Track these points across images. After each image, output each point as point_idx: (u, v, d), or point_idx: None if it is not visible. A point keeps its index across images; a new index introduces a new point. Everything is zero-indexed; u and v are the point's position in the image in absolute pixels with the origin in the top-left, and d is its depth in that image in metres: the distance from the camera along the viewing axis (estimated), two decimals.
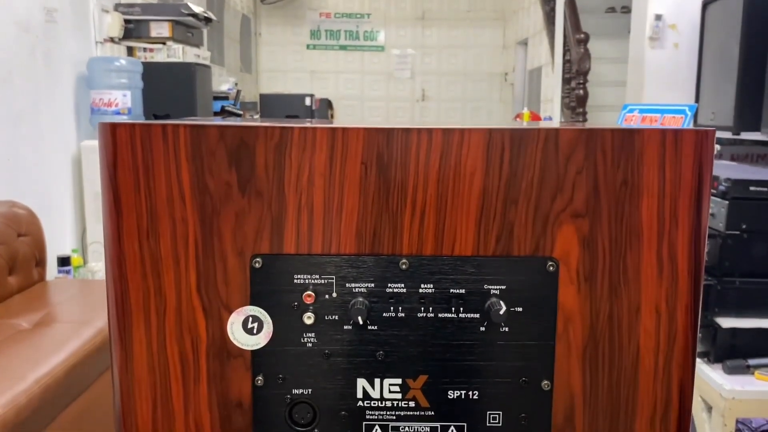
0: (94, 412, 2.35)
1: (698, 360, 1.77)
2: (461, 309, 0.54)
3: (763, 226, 1.73)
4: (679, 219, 0.52)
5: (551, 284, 0.53)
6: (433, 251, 0.53)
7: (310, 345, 0.54)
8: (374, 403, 0.55)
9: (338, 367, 0.55)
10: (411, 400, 0.55)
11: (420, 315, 0.54)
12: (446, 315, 0.54)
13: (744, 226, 1.72)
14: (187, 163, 0.52)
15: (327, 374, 0.55)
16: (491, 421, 0.55)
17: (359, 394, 0.55)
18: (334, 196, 0.52)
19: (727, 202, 1.71)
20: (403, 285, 0.54)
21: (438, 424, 0.55)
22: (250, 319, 0.54)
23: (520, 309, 0.54)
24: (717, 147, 3.10)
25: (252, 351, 0.54)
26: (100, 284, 3.06)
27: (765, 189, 1.71)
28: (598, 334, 0.54)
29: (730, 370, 1.69)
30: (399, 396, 0.55)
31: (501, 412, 0.55)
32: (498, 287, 0.53)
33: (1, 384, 1.95)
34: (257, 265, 0.53)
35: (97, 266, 3.58)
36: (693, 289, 0.53)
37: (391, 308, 0.54)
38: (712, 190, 1.80)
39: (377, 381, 0.55)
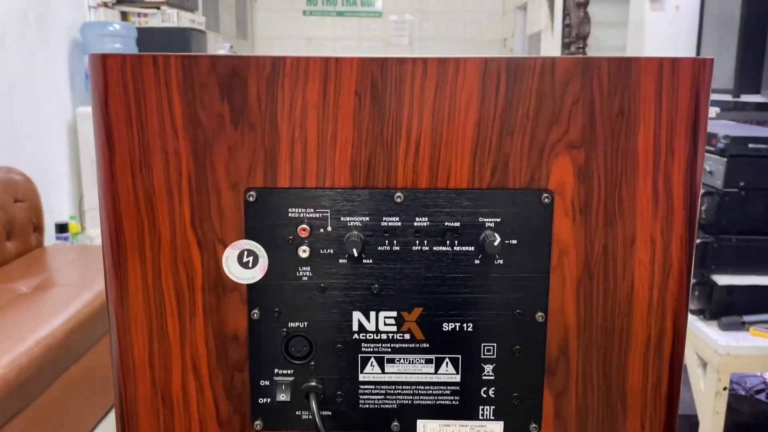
0: (95, 373, 2.38)
1: (694, 317, 1.78)
2: (456, 242, 0.54)
3: (761, 184, 1.72)
4: (675, 149, 0.52)
5: (546, 216, 0.53)
6: (427, 184, 0.53)
7: (305, 279, 0.55)
8: (369, 336, 0.56)
9: (334, 301, 0.55)
10: (406, 332, 0.56)
11: (415, 248, 0.54)
12: (441, 248, 0.54)
13: (742, 184, 1.72)
14: (178, 95, 0.51)
15: (322, 308, 0.55)
16: (485, 353, 0.56)
17: (355, 327, 0.55)
18: (327, 128, 0.52)
19: (725, 159, 1.71)
20: (397, 218, 0.54)
21: (433, 356, 0.56)
22: (245, 253, 0.54)
23: (514, 241, 0.54)
24: (717, 110, 3.08)
25: (247, 285, 0.55)
26: (98, 249, 3.06)
27: (764, 146, 1.71)
28: (592, 266, 0.54)
29: (726, 327, 1.70)
30: (394, 329, 0.55)
31: (495, 344, 0.56)
32: (493, 220, 0.53)
33: (1, 345, 1.96)
34: (251, 198, 0.53)
35: (95, 233, 3.58)
36: (688, 221, 0.53)
37: (386, 242, 0.54)
38: (710, 148, 1.79)
39: (372, 314, 0.55)
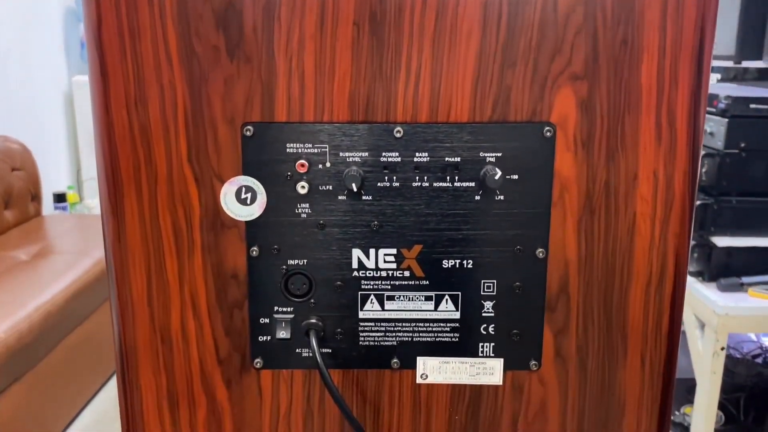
0: (96, 339, 2.39)
1: (692, 279, 1.78)
2: (456, 178, 0.53)
3: (762, 145, 1.71)
4: (679, 81, 0.51)
5: (548, 150, 0.52)
6: (428, 118, 0.52)
7: (304, 216, 0.54)
8: (369, 273, 0.55)
9: (333, 238, 0.54)
10: (406, 269, 0.55)
11: (415, 184, 0.53)
12: (441, 184, 0.53)
13: (743, 145, 1.71)
14: (173, 26, 0.50)
15: (322, 245, 0.55)
16: (485, 289, 0.55)
17: (354, 265, 0.55)
18: (325, 60, 0.51)
19: (726, 119, 1.69)
20: (397, 154, 0.53)
21: (433, 293, 0.56)
22: (243, 189, 0.53)
23: (515, 177, 0.53)
24: (717, 76, 3.06)
25: (246, 222, 0.54)
26: (96, 218, 3.05)
27: (766, 107, 1.69)
28: (594, 201, 0.53)
29: (724, 288, 1.71)
30: (394, 266, 0.55)
31: (495, 281, 0.55)
32: (494, 154, 0.53)
33: (2, 311, 1.97)
34: (248, 133, 0.52)
35: (93, 203, 3.58)
36: (691, 155, 0.53)
37: (386, 178, 0.53)
38: (711, 109, 1.78)
39: (372, 251, 0.55)
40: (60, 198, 3.41)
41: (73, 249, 2.57)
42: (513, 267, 0.55)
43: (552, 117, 0.52)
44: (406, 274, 0.55)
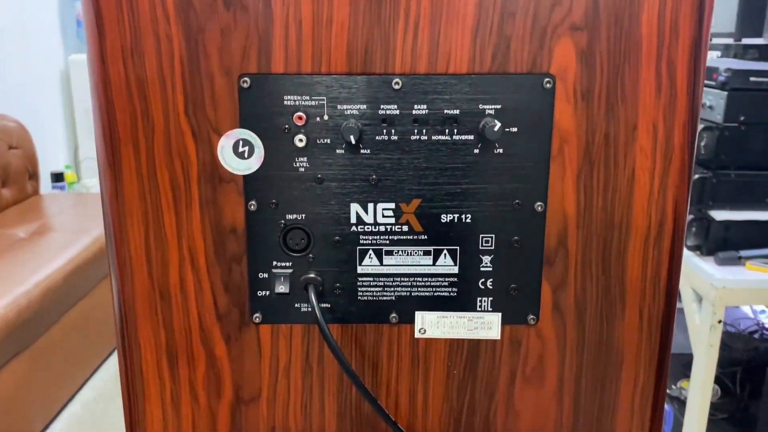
0: (96, 315, 2.40)
1: (690, 253, 1.79)
2: (455, 131, 0.53)
3: (762, 118, 1.71)
4: (680, 32, 0.51)
5: (547, 102, 0.52)
6: (426, 69, 0.52)
7: (302, 169, 0.54)
8: (368, 228, 0.55)
9: (331, 192, 0.54)
10: (404, 224, 0.55)
11: (413, 138, 0.53)
12: (440, 137, 0.53)
13: (742, 118, 1.70)
14: None
15: (320, 199, 0.54)
16: (484, 244, 0.55)
17: (353, 219, 0.55)
18: (323, 10, 0.50)
19: (725, 92, 1.69)
20: (396, 106, 0.52)
21: (431, 248, 0.56)
22: (241, 142, 0.53)
23: (515, 129, 0.53)
24: (717, 53, 3.04)
25: (244, 176, 0.54)
26: (95, 197, 3.05)
27: (766, 80, 1.68)
28: (593, 154, 0.53)
29: (722, 262, 1.71)
30: (392, 221, 0.55)
31: (493, 235, 0.55)
32: (493, 107, 0.52)
33: (1, 287, 1.97)
34: (245, 85, 0.52)
35: (91, 182, 3.57)
36: (691, 108, 0.52)
37: (384, 131, 0.53)
38: (711, 82, 1.77)
39: (370, 206, 0.55)
40: (58, 177, 3.41)
41: (72, 227, 2.57)
42: (511, 221, 0.55)
43: (552, 68, 0.52)
44: (405, 228, 0.55)
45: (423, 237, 0.55)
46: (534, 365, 0.58)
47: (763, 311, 2.47)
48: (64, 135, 3.65)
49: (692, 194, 1.80)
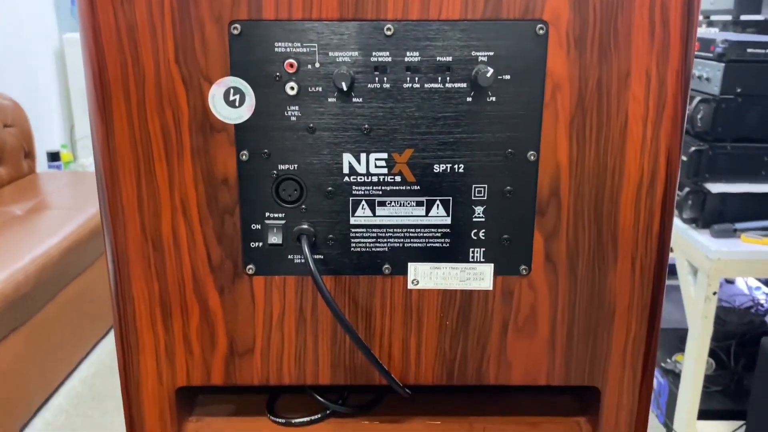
0: (94, 292, 2.40)
1: (686, 226, 1.79)
2: (448, 78, 0.53)
3: (758, 90, 1.70)
4: None
5: (540, 49, 0.52)
6: (419, 15, 0.51)
7: (294, 119, 0.54)
8: (360, 179, 0.55)
9: (323, 142, 0.54)
10: (397, 174, 0.55)
11: (405, 86, 0.53)
12: (433, 85, 0.53)
13: (739, 90, 1.70)
14: None
15: (312, 149, 0.54)
16: (476, 194, 0.55)
17: (345, 170, 0.55)
18: None
19: (722, 64, 1.68)
20: (388, 53, 0.52)
21: (424, 199, 0.56)
22: (232, 90, 0.53)
23: (507, 77, 0.53)
24: (715, 30, 3.02)
25: (235, 125, 0.54)
26: (91, 176, 3.04)
27: (763, 51, 1.68)
28: (586, 102, 0.53)
29: (717, 234, 1.72)
30: (385, 171, 0.55)
31: (486, 185, 0.55)
32: (486, 53, 0.52)
33: None
34: (235, 31, 0.51)
35: (88, 161, 3.56)
36: (684, 55, 0.52)
37: (376, 79, 0.53)
38: (708, 54, 1.76)
39: (363, 156, 0.54)
40: (54, 157, 3.39)
41: (68, 204, 2.57)
42: (504, 171, 0.55)
43: (544, 14, 0.51)
44: (398, 179, 0.55)
45: (416, 187, 0.55)
46: (526, 316, 0.58)
47: (758, 288, 2.48)
48: (60, 114, 3.63)
49: (688, 167, 1.80)
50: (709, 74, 1.73)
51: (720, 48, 1.69)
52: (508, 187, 0.55)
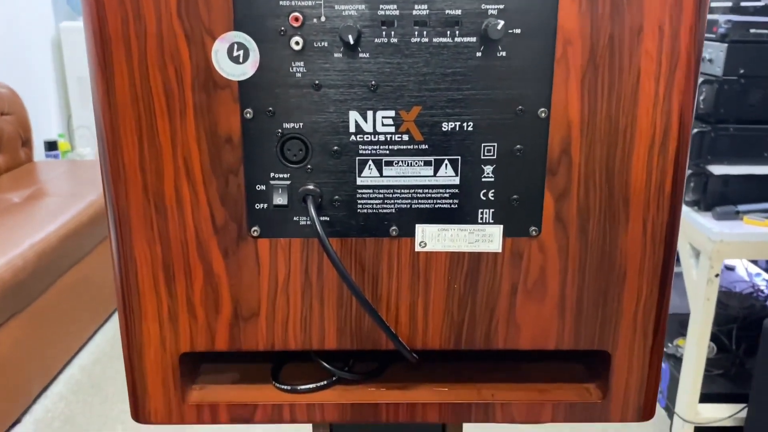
0: (93, 279, 2.39)
1: (688, 208, 1.78)
2: (457, 33, 0.51)
3: (761, 71, 1.69)
4: None
5: (551, 2, 0.51)
6: None
7: (299, 75, 0.52)
8: (367, 138, 0.54)
9: (329, 99, 0.53)
10: (405, 133, 0.54)
11: (414, 40, 0.52)
12: (441, 40, 0.52)
13: (742, 71, 1.69)
14: None
15: (318, 107, 0.53)
16: (485, 153, 0.54)
17: (352, 128, 0.54)
18: None
19: (725, 45, 1.67)
20: (395, 6, 0.51)
21: (432, 158, 0.54)
22: (236, 46, 0.52)
23: (518, 31, 0.51)
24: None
25: (239, 82, 0.52)
26: (89, 164, 3.03)
27: (766, 31, 1.67)
28: (597, 57, 0.52)
29: (720, 216, 1.71)
30: (392, 129, 0.54)
31: (496, 144, 0.54)
32: (496, 6, 0.51)
33: None
34: None
35: (86, 151, 3.54)
36: (698, 9, 0.51)
37: (383, 33, 0.51)
38: (710, 35, 1.75)
39: (370, 113, 0.53)
40: (51, 146, 3.38)
41: (67, 192, 2.55)
42: (514, 129, 0.54)
43: None
44: (405, 138, 0.54)
45: (423, 147, 0.54)
46: (535, 279, 0.57)
47: (758, 274, 2.48)
48: (57, 103, 3.61)
49: (690, 149, 1.79)
50: (711, 55, 1.72)
51: (723, 28, 1.68)
52: (518, 146, 0.54)
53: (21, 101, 2.91)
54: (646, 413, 0.61)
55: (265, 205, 0.55)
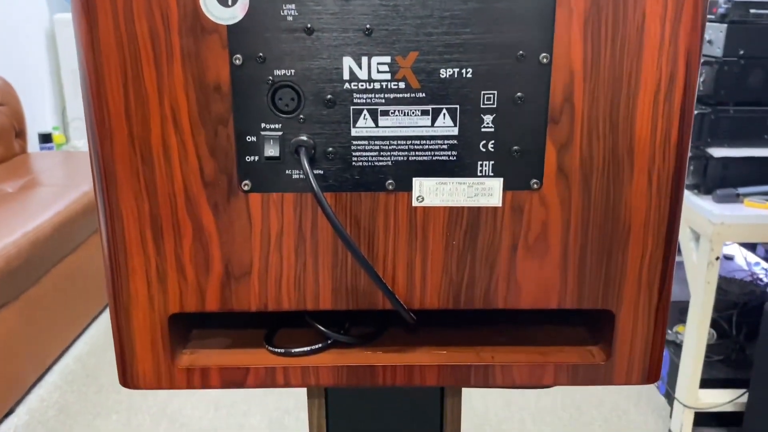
0: (87, 270, 2.36)
1: (687, 192, 1.77)
2: None
3: (761, 52, 1.68)
4: None
5: None
6: None
7: (290, 18, 0.50)
8: (362, 86, 0.52)
9: (322, 45, 0.51)
10: (401, 80, 0.52)
11: None
12: None
13: (742, 52, 1.67)
14: None
15: (310, 53, 0.51)
16: (485, 102, 0.52)
17: (345, 75, 0.52)
18: None
19: (725, 25, 1.65)
20: None
21: (429, 107, 0.52)
22: None
23: None
24: None
25: (228, 26, 0.50)
26: (83, 155, 3.00)
27: (767, 12, 1.65)
28: None
29: (720, 199, 1.69)
30: (388, 76, 0.52)
31: (496, 92, 0.52)
32: None
33: None
34: None
35: (80, 143, 3.51)
36: None
37: None
38: (710, 16, 1.73)
39: (364, 59, 0.51)
40: (46, 138, 3.35)
41: (61, 182, 2.53)
42: (515, 75, 0.52)
43: None
44: (401, 85, 0.52)
45: (421, 95, 0.52)
46: (537, 234, 0.55)
47: (757, 263, 2.46)
48: (51, 95, 3.58)
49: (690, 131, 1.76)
50: (711, 36, 1.70)
51: (723, 9, 1.66)
52: (519, 94, 0.52)
53: (14, 92, 2.89)
54: (651, 375, 0.59)
55: (256, 158, 0.53)
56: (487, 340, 0.62)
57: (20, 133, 2.94)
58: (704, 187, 1.74)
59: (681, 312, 2.05)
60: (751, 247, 2.62)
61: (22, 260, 1.96)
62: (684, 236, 1.76)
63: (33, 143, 3.23)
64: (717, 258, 1.66)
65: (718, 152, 1.72)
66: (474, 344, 0.62)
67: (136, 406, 2.00)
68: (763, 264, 2.48)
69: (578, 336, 0.63)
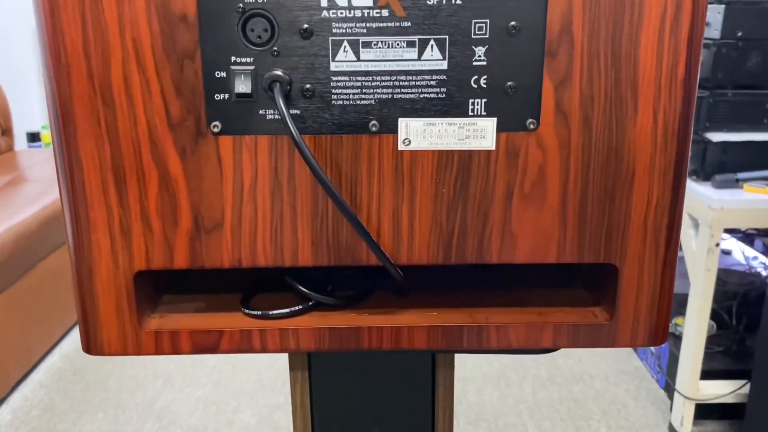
0: None
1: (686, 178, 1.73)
2: None
3: (761, 34, 1.64)
4: None
5: None
6: None
7: None
8: (341, 13, 0.48)
9: None
10: (384, 8, 0.48)
11: None
12: None
13: (740, 34, 1.64)
14: None
15: None
16: (477, 32, 0.48)
17: (323, 3, 0.47)
18: None
19: (723, 6, 1.62)
20: None
21: (416, 38, 0.48)
22: None
23: None
24: None
25: None
26: None
27: None
28: None
29: (719, 185, 1.65)
30: (370, 3, 0.47)
31: (488, 20, 0.48)
32: None
33: None
34: None
35: None
36: None
37: None
38: None
39: None
40: (34, 137, 3.30)
41: (47, 178, 2.48)
42: (509, 2, 0.47)
43: None
44: (385, 13, 0.48)
45: (406, 24, 0.48)
46: (534, 180, 0.51)
47: (755, 257, 2.43)
48: (39, 95, 3.53)
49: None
50: (709, 18, 1.67)
51: None
52: (513, 23, 0.48)
53: (1, 90, 2.84)
54: (657, 337, 0.54)
55: (226, 96, 0.49)
56: (481, 302, 0.58)
57: (7, 131, 2.89)
58: (703, 173, 1.70)
59: (680, 304, 2.01)
60: (749, 241, 2.58)
61: (7, 254, 1.90)
62: (683, 224, 1.71)
63: (21, 142, 3.18)
64: (717, 244, 1.62)
65: (716, 137, 1.68)
66: (467, 306, 0.57)
67: (123, 404, 1.94)
68: (761, 258, 2.44)
69: (579, 297, 0.59)
